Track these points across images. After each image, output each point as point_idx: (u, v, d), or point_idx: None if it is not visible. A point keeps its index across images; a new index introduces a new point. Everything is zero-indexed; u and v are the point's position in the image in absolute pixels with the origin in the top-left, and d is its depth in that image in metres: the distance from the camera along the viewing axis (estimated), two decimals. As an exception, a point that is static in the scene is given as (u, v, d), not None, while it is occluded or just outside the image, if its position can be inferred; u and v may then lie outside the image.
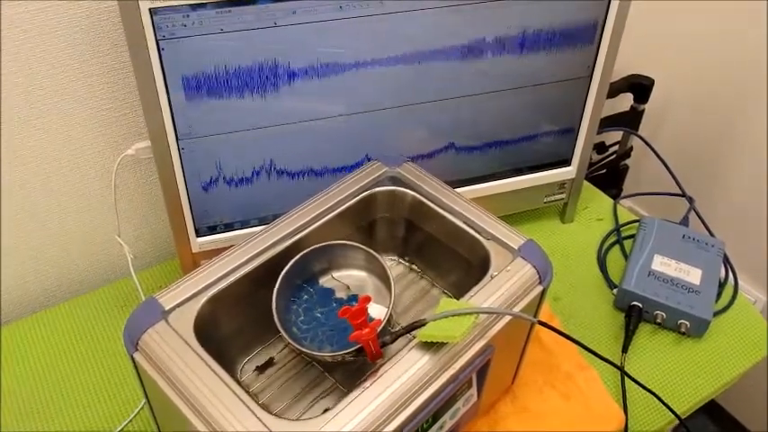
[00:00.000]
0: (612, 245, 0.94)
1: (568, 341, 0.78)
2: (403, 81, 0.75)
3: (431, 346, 0.55)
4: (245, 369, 0.67)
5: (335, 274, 0.68)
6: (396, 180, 0.71)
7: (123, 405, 0.74)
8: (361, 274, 0.68)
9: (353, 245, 0.65)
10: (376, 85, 0.74)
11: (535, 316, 0.65)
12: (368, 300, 0.55)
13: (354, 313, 0.55)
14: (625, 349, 0.79)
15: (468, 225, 0.67)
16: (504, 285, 0.60)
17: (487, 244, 0.65)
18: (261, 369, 0.66)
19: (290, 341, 0.59)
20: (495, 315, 0.59)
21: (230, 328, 0.63)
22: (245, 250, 0.62)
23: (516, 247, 0.64)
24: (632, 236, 0.94)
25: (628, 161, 1.27)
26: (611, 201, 1.02)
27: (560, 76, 0.82)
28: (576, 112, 0.86)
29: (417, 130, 0.80)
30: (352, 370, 0.66)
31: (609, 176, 1.26)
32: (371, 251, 0.64)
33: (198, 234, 0.77)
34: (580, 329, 0.83)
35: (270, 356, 0.67)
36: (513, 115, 0.83)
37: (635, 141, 1.23)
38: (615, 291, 0.86)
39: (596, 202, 1.02)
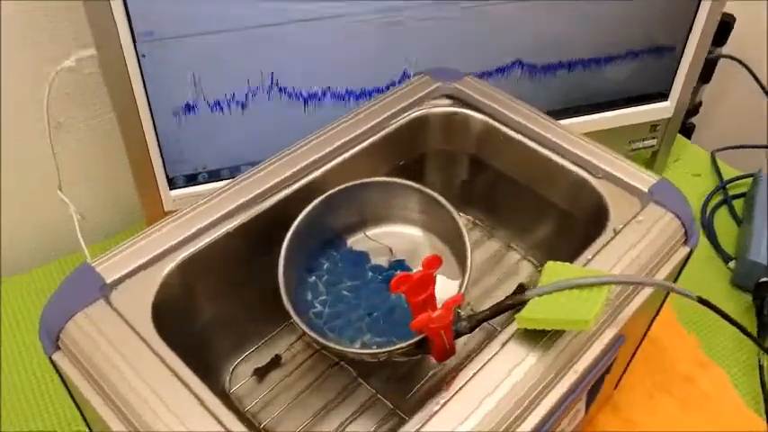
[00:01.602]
0: (717, 206, 0.75)
1: (682, 333, 0.61)
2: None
3: (536, 338, 0.36)
4: (237, 374, 0.49)
5: (370, 233, 0.50)
6: (454, 99, 0.53)
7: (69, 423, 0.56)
8: (411, 230, 0.49)
9: (400, 182, 0.46)
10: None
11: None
12: (437, 263, 0.34)
13: (415, 285, 0.33)
14: (761, 340, 0.60)
15: (569, 160, 0.47)
16: (638, 244, 0.41)
17: (600, 185, 0.46)
18: (262, 373, 0.49)
19: (306, 331, 0.41)
20: (629, 289, 0.39)
21: (211, 313, 0.46)
22: (233, 194, 0.44)
23: (646, 190, 0.45)
24: (741, 195, 0.75)
25: (694, 119, 1.11)
26: (706, 153, 0.82)
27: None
28: (680, 27, 0.68)
29: (475, 39, 0.61)
30: (399, 375, 0.47)
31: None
32: (430, 192, 0.44)
33: (171, 185, 0.60)
34: (690, 314, 0.63)
35: (275, 354, 0.50)
36: (598, 27, 0.65)
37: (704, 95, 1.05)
38: (732, 264, 0.69)
39: (689, 153, 0.83)
